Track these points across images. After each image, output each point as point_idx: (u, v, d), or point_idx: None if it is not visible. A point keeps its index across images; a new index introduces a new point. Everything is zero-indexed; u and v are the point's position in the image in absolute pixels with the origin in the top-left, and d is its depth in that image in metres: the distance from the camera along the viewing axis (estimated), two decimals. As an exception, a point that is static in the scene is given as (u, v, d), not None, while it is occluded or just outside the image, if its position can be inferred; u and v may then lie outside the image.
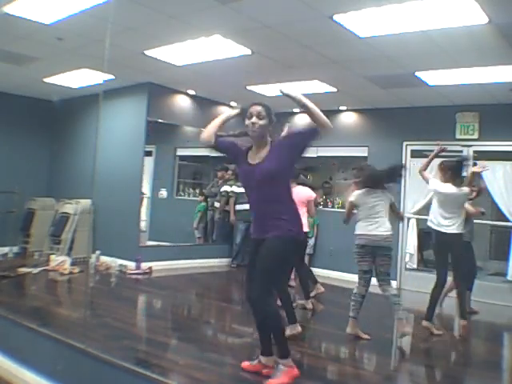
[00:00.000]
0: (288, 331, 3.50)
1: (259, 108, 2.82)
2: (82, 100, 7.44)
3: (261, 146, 2.86)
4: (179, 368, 2.96)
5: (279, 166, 2.75)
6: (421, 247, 7.10)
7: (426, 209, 6.81)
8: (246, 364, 3.01)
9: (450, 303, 5.42)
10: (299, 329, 3.69)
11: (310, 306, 4.75)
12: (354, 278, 5.98)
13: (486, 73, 4.95)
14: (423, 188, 6.67)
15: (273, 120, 2.88)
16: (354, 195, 4.04)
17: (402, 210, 6.82)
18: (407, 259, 6.68)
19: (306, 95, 6.29)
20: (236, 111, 3.08)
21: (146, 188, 7.59)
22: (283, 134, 3.10)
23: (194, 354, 3.10)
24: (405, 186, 6.83)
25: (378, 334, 3.98)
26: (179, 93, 7.12)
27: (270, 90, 6.60)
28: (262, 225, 2.82)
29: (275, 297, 3.66)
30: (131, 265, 6.39)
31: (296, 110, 7.87)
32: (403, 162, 5.46)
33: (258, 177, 2.76)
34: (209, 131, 2.99)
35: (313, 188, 4.86)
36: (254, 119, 2.80)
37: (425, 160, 4.46)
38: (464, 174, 4.31)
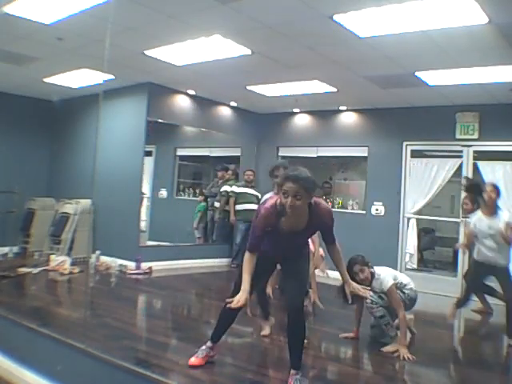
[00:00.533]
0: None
1: (296, 187, 2.49)
2: (82, 100, 7.44)
3: (298, 215, 2.66)
4: (179, 368, 2.96)
5: (311, 234, 2.96)
6: (421, 247, 7.11)
7: (425, 209, 6.85)
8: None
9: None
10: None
11: (309, 309, 4.73)
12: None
13: (486, 73, 4.95)
14: (423, 188, 6.70)
15: (313, 192, 2.60)
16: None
17: (401, 210, 6.85)
18: (407, 259, 6.68)
19: (306, 95, 6.31)
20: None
21: (146, 188, 7.59)
22: (324, 208, 2.77)
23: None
24: (405, 186, 6.84)
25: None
26: (179, 93, 7.12)
27: (270, 89, 6.60)
28: (284, 254, 2.93)
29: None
30: (131, 265, 6.39)
31: (296, 110, 7.88)
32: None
33: (294, 244, 2.84)
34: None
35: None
36: (289, 201, 2.51)
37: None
38: None
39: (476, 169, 6.34)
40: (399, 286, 3.68)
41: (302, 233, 2.78)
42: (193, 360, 3.00)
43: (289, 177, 2.54)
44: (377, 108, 7.15)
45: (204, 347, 3.06)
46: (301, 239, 2.88)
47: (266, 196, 3.66)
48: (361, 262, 3.62)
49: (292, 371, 2.76)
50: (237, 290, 2.71)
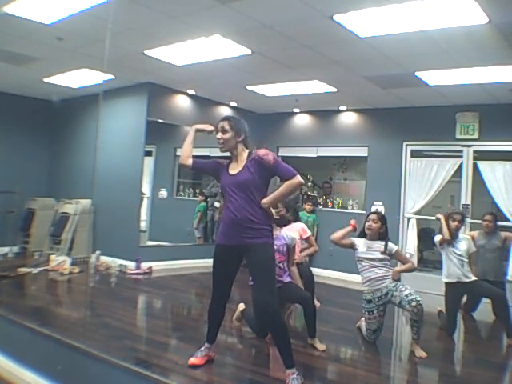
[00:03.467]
0: None
1: (223, 123, 2.96)
2: (81, 100, 7.44)
3: (237, 158, 2.98)
4: (179, 368, 2.96)
5: (252, 178, 2.87)
6: (421, 247, 7.10)
7: (425, 209, 6.85)
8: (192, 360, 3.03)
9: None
10: None
11: None
12: (354, 277, 6.01)
13: (485, 73, 4.95)
14: (423, 188, 6.70)
15: (241, 131, 2.95)
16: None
17: (401, 210, 6.86)
18: (407, 259, 6.67)
19: (306, 95, 6.31)
20: (203, 127, 3.18)
21: (146, 188, 7.59)
22: (261, 155, 2.93)
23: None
24: (405, 186, 6.84)
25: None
26: (179, 93, 7.12)
27: (270, 89, 6.60)
28: (239, 231, 2.85)
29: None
30: (131, 265, 6.39)
31: (296, 110, 7.88)
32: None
33: (236, 184, 2.87)
34: (184, 154, 3.16)
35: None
36: (218, 135, 2.96)
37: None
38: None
39: (476, 169, 6.34)
40: None
41: (239, 176, 2.89)
42: (192, 360, 3.00)
43: (222, 118, 3.03)
44: (377, 108, 7.15)
45: (203, 348, 3.08)
46: (240, 188, 2.86)
47: None
48: (379, 214, 3.92)
49: (287, 371, 2.77)
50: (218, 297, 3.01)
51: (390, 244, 3.79)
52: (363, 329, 3.85)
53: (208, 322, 3.12)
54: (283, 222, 4.14)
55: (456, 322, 4.19)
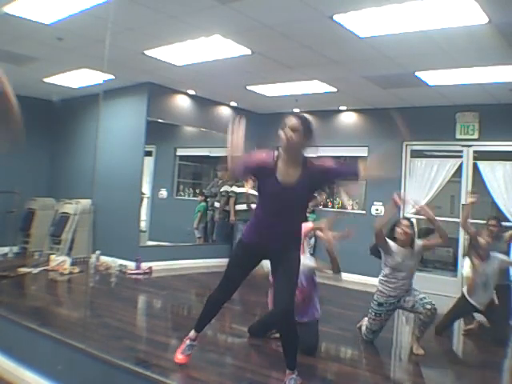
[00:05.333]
0: None
1: (296, 122, 2.64)
2: (81, 100, 7.44)
3: (292, 162, 2.72)
4: (179, 368, 2.96)
5: (309, 195, 2.79)
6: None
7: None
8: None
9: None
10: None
11: None
12: (354, 277, 6.01)
13: (486, 73, 4.95)
14: (423, 188, 6.70)
15: (310, 136, 2.71)
16: None
17: (401, 210, 6.85)
18: (407, 259, 6.67)
19: (306, 95, 6.31)
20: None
21: (146, 188, 7.59)
22: (320, 163, 2.80)
23: (194, 354, 3.11)
24: (405, 186, 6.84)
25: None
26: (179, 93, 7.12)
27: (270, 89, 6.60)
28: (274, 236, 2.74)
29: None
30: (131, 265, 6.39)
31: (296, 110, 7.87)
32: None
33: (288, 198, 2.67)
34: (235, 164, 2.85)
35: None
36: (286, 130, 2.63)
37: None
38: None
39: (476, 169, 6.34)
40: None
41: (293, 189, 2.66)
42: (180, 357, 2.99)
43: (293, 114, 2.75)
44: (377, 108, 7.14)
45: (188, 341, 3.03)
46: (291, 202, 2.69)
47: None
48: (411, 221, 3.84)
49: (288, 371, 2.76)
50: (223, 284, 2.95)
51: (416, 243, 3.68)
52: (363, 328, 3.84)
53: (204, 311, 3.07)
54: None
55: (450, 327, 4.19)
